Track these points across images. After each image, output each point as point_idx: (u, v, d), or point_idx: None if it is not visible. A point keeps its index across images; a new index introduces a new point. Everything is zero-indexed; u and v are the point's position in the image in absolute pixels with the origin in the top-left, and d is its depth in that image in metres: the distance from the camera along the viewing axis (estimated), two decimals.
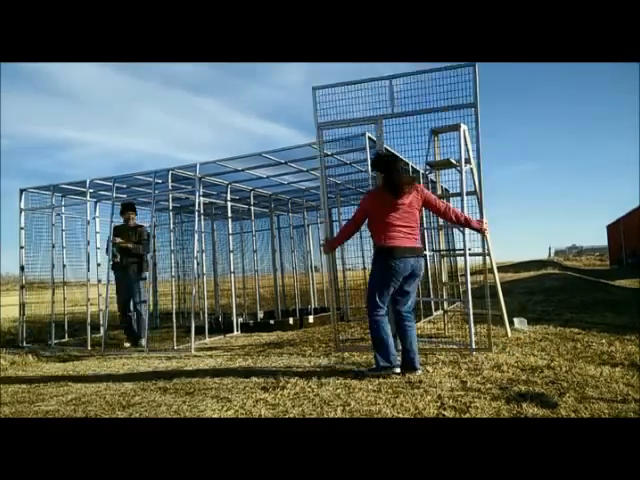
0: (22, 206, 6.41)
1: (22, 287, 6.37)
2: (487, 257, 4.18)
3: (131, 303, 5.69)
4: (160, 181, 5.96)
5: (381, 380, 3.14)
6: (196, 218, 5.62)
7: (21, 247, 6.37)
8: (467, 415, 2.33)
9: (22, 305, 6.35)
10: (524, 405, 2.40)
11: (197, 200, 5.59)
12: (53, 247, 6.35)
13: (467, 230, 4.13)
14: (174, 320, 5.49)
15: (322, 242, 4.62)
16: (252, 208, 7.31)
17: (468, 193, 4.36)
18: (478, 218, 3.87)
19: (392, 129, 4.24)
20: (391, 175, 3.27)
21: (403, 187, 3.23)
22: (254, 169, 5.94)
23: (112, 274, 5.73)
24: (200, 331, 5.75)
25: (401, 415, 2.40)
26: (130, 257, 5.61)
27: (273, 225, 8.29)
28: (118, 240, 5.60)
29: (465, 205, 4.18)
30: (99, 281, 6.43)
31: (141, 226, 5.88)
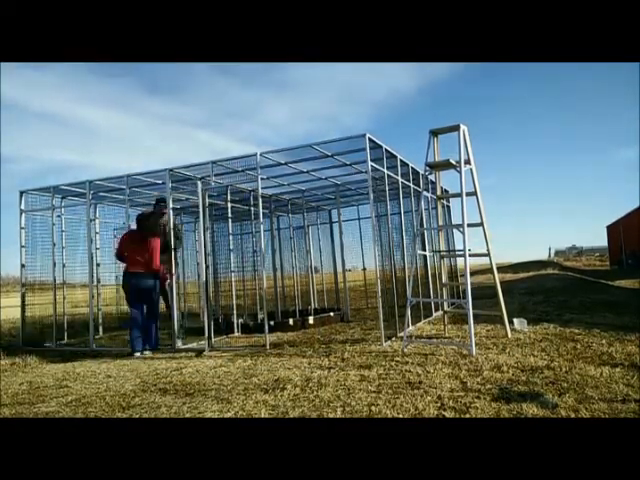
0: (22, 207, 6.43)
1: (23, 285, 6.38)
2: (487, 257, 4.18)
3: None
4: (160, 182, 5.96)
5: (381, 381, 3.14)
6: (201, 219, 5.61)
7: (22, 246, 6.40)
8: (467, 415, 2.33)
9: (23, 300, 6.34)
10: (524, 405, 2.40)
11: (200, 201, 5.58)
12: (54, 245, 6.36)
13: (467, 231, 4.13)
14: (174, 320, 5.48)
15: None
16: (252, 209, 7.30)
17: (468, 194, 4.37)
18: (478, 220, 3.87)
19: None
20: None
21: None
22: (254, 170, 5.93)
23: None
24: (201, 332, 5.74)
25: (401, 415, 2.40)
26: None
27: (273, 226, 8.29)
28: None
29: (465, 205, 4.19)
30: (98, 281, 6.43)
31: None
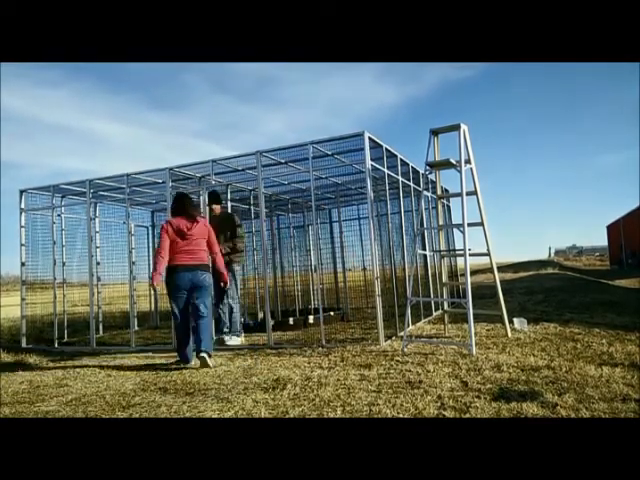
0: (22, 206, 6.44)
1: (23, 283, 6.38)
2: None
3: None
4: (160, 181, 5.96)
5: (381, 380, 3.14)
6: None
7: (22, 245, 6.40)
8: (467, 415, 2.33)
9: (22, 301, 6.34)
10: (524, 405, 2.40)
11: (202, 198, 5.58)
12: (54, 243, 6.36)
13: (467, 230, 4.13)
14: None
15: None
16: (252, 208, 7.32)
17: (468, 193, 4.36)
18: (478, 220, 3.86)
19: None
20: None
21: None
22: (254, 169, 5.93)
23: None
24: None
25: (401, 415, 2.40)
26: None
27: (273, 225, 8.30)
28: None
29: (465, 205, 4.18)
30: (99, 280, 6.44)
31: (231, 213, 5.70)
